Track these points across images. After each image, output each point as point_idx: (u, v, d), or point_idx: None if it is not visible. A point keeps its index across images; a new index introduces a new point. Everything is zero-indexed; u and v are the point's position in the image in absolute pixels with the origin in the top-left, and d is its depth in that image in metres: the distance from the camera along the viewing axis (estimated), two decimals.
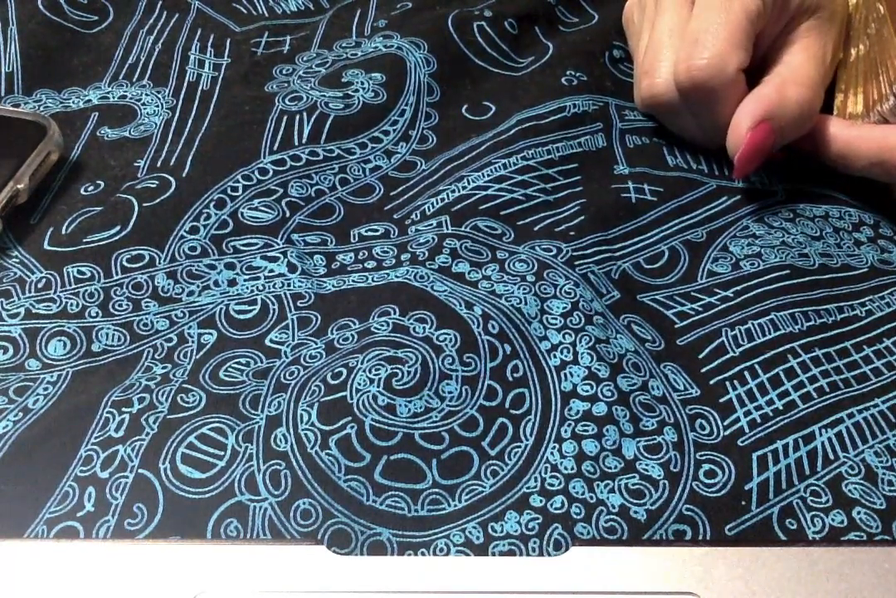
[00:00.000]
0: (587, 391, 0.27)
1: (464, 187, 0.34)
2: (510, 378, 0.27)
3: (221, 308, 0.29)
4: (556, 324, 0.29)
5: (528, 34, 0.41)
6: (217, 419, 0.26)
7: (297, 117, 0.36)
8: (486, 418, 0.26)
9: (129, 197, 0.32)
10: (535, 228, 0.33)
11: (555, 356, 0.28)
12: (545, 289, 0.30)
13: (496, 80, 0.39)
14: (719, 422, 0.27)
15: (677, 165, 0.36)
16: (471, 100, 0.38)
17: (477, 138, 0.36)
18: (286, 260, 0.31)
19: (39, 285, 0.29)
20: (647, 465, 0.25)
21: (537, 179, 0.34)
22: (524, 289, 0.30)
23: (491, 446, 0.26)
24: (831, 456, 0.26)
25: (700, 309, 0.30)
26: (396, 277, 0.30)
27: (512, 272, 0.30)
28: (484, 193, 0.33)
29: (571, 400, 0.27)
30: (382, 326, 0.28)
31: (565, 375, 0.27)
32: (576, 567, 0.21)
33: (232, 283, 0.30)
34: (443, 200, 0.33)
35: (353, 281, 0.31)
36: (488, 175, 0.34)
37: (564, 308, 0.29)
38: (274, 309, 0.29)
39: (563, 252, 0.31)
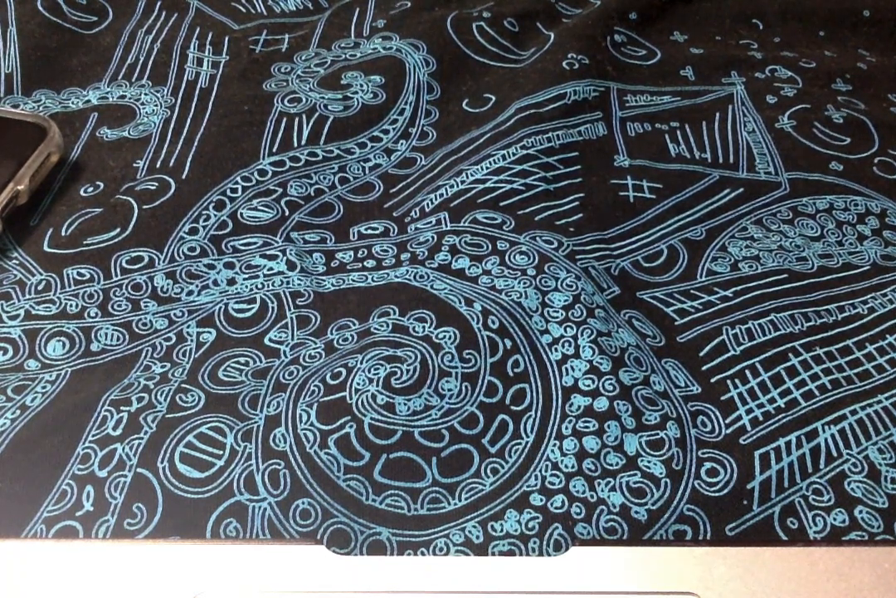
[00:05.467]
0: (588, 386, 0.27)
1: (462, 182, 0.33)
2: (511, 373, 0.27)
3: (220, 307, 0.29)
4: (557, 317, 0.29)
5: (530, 30, 0.41)
6: (216, 419, 0.25)
7: (297, 119, 0.36)
8: (486, 414, 0.26)
9: (128, 199, 0.32)
10: (536, 219, 0.32)
11: (556, 350, 0.28)
12: (546, 282, 0.30)
13: (497, 72, 0.39)
14: (721, 420, 0.27)
15: (679, 155, 0.35)
16: (471, 94, 0.38)
17: (477, 130, 0.36)
18: (285, 258, 0.31)
19: (39, 287, 0.29)
20: (648, 462, 0.25)
21: (537, 167, 0.34)
22: (525, 283, 0.29)
23: (491, 443, 0.26)
24: (834, 453, 0.26)
25: (700, 307, 0.30)
26: (396, 277, 0.30)
27: (512, 265, 0.30)
28: (483, 186, 0.33)
29: (572, 395, 0.27)
30: (382, 326, 0.28)
31: (566, 369, 0.27)
32: (576, 567, 0.21)
33: (231, 282, 0.30)
34: (442, 195, 0.33)
35: (352, 281, 0.30)
36: (487, 168, 0.34)
37: (566, 301, 0.29)
38: (273, 307, 0.29)
39: (564, 246, 0.31)
